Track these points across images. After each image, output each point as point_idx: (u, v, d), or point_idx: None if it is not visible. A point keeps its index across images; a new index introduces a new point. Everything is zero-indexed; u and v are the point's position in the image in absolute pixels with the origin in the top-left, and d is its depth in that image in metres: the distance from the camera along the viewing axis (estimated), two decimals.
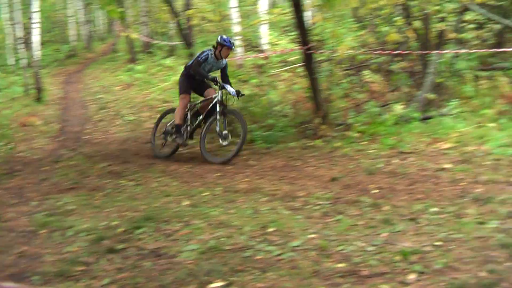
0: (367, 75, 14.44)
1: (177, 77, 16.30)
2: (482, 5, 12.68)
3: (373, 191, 7.53)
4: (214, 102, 10.65)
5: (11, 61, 27.88)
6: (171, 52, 24.95)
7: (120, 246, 5.60)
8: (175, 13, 14.16)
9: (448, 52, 12.43)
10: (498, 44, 13.95)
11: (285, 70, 16.66)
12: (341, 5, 12.81)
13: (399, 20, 13.34)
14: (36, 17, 19.82)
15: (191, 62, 11.05)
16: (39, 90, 19.53)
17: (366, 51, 14.95)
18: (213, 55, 10.73)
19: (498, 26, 13.40)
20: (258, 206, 7.03)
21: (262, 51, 18.69)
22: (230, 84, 10.82)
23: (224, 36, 10.83)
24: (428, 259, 4.90)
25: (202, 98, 11.12)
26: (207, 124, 10.79)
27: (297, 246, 5.41)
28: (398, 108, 11.70)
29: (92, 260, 5.25)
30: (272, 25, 19.98)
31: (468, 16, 12.43)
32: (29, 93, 20.07)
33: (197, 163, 10.41)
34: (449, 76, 12.67)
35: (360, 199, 7.09)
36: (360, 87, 14.17)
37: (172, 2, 14.40)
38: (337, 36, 13.14)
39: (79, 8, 35.45)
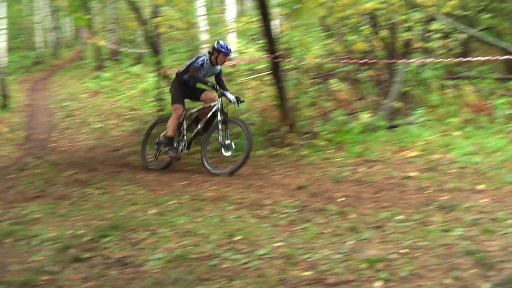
0: (334, 83, 14.52)
1: (144, 85, 16.20)
2: (448, 14, 12.82)
3: (339, 199, 7.55)
4: (213, 110, 10.26)
5: None
6: (138, 59, 24.90)
7: (86, 255, 5.54)
8: (142, 21, 14.14)
9: (415, 61, 12.53)
10: (464, 53, 14.09)
11: (253, 78, 16.68)
12: (308, 14, 12.85)
13: (366, 29, 13.41)
14: (2, 23, 19.67)
15: (183, 68, 10.64)
16: (5, 97, 19.39)
17: (333, 59, 15.01)
18: (208, 61, 10.32)
19: (463, 36, 13.53)
20: (225, 214, 7.02)
21: (229, 59, 18.69)
22: (227, 90, 10.45)
23: (221, 42, 10.43)
24: (394, 266, 4.93)
25: (197, 104, 10.84)
26: (208, 134, 10.44)
27: (264, 254, 5.40)
28: (365, 117, 11.78)
29: (58, 269, 5.20)
30: (240, 34, 20.01)
31: (434, 26, 12.51)
32: None
33: (164, 171, 10.38)
34: (415, 85, 12.78)
35: (326, 207, 7.10)
36: (327, 95, 14.23)
37: (140, 10, 14.38)
38: (305, 45, 13.19)
39: (46, 14, 35.17)
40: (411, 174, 8.73)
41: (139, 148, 12.01)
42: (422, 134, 10.77)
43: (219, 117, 10.09)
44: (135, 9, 14.20)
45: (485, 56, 12.89)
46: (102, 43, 25.14)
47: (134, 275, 5.03)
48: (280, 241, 5.81)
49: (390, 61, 12.64)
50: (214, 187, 8.73)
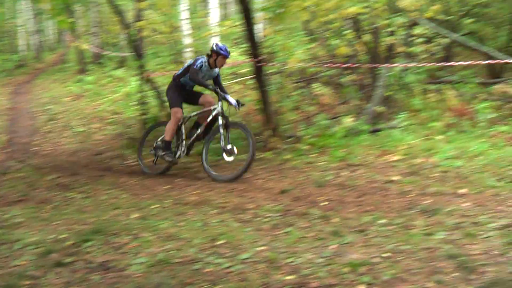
0: (317, 87, 14.55)
1: (127, 89, 16.10)
2: (431, 19, 12.88)
3: (322, 203, 7.56)
4: (214, 114, 9.98)
5: None
6: (121, 63, 24.82)
7: (68, 260, 5.51)
8: (125, 24, 14.09)
9: (397, 65, 12.57)
10: (446, 58, 14.18)
11: (236, 82, 16.66)
12: (292, 18, 12.86)
13: (349, 33, 13.46)
14: None
15: (180, 71, 10.33)
16: None
17: (317, 64, 15.04)
18: (206, 63, 10.03)
19: (446, 40, 13.60)
20: (208, 218, 7.02)
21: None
22: (228, 93, 10.23)
23: (220, 44, 10.13)
24: (376, 270, 4.94)
25: (196, 108, 10.65)
26: (208, 138, 10.14)
27: (247, 258, 5.40)
28: (348, 121, 11.80)
29: (40, 274, 5.18)
30: (223, 37, 19.98)
31: (417, 30, 12.57)
32: None
33: (147, 175, 10.37)
34: (398, 89, 12.83)
35: (309, 211, 7.11)
36: (310, 99, 14.26)
37: (123, 13, 14.34)
38: (288, 49, 13.19)
39: (29, 17, 35.06)
40: (394, 178, 8.76)
41: (122, 152, 12.01)
42: (405, 138, 10.81)
43: (220, 121, 9.81)
44: (118, 12, 14.14)
45: (467, 61, 12.99)
46: (85, 46, 25.06)
47: (117, 279, 5.02)
48: (263, 245, 5.81)
49: (373, 66, 12.68)
50: (197, 191, 8.72)
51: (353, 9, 11.48)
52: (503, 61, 12.87)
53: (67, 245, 5.98)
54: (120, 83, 21.72)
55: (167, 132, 10.20)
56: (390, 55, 12.67)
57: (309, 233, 6.21)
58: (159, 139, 10.54)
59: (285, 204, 7.60)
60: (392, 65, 12.49)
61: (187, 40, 17.99)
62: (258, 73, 11.36)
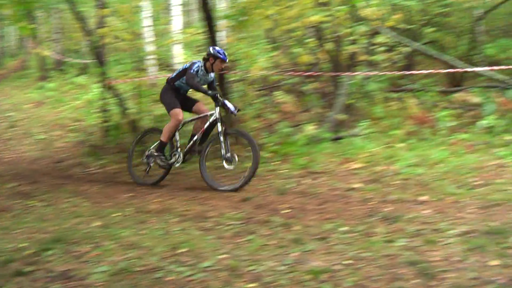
0: (280, 95, 14.58)
1: (88, 96, 15.96)
2: (392, 28, 12.99)
3: (284, 211, 7.59)
4: (211, 120, 9.59)
5: None
6: (83, 70, 24.63)
7: (29, 269, 5.46)
8: (87, 31, 14.01)
9: (359, 74, 12.68)
10: (408, 67, 14.33)
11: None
12: (254, 26, 12.89)
13: (312, 42, 13.51)
14: None
15: (174, 75, 9.96)
16: None
17: (279, 72, 15.09)
18: (203, 68, 9.64)
19: (407, 49, 13.72)
20: (170, 226, 7.00)
21: (175, 71, 18.63)
22: (226, 98, 9.90)
23: (217, 48, 9.78)
24: (338, 277, 4.97)
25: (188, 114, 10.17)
26: (206, 146, 9.69)
27: (208, 266, 5.40)
28: (310, 129, 11.84)
29: (0, 284, 5.12)
30: (186, 45, 19.96)
31: (379, 39, 12.67)
32: None
33: (109, 183, 10.31)
34: (360, 97, 12.92)
35: (271, 219, 7.12)
36: (273, 107, 14.27)
37: (85, 20, 14.26)
38: (251, 57, 13.20)
39: None
40: (355, 185, 8.81)
41: (83, 160, 11.90)
42: (366, 146, 10.88)
43: (219, 129, 9.42)
44: (80, 19, 14.06)
45: (428, 69, 13.11)
46: (46, 53, 24.84)
47: None
48: (225, 253, 5.81)
49: (335, 74, 12.75)
50: (158, 199, 8.70)
51: (315, 18, 11.53)
52: (463, 70, 13.05)
53: (27, 254, 5.92)
54: (81, 90, 21.57)
55: (165, 133, 9.80)
56: (352, 63, 12.75)
57: (271, 241, 6.22)
58: (151, 147, 10.18)
59: (247, 212, 7.61)
60: (354, 74, 12.58)
61: (150, 48, 17.92)
62: (221, 81, 11.38)
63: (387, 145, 10.91)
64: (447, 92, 13.68)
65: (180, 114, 9.68)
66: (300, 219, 7.09)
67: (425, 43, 15.17)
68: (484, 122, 11.40)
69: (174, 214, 7.66)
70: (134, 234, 6.64)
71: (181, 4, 19.79)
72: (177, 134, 9.92)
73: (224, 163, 9.42)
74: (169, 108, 9.78)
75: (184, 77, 9.63)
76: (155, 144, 10.05)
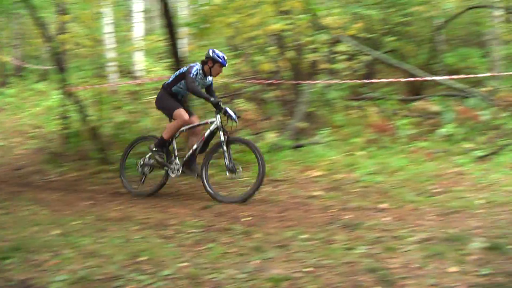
0: (241, 103, 14.57)
1: (48, 102, 15.77)
2: (353, 37, 13.08)
3: (244, 219, 7.60)
4: (212, 129, 9.18)
5: None
6: (43, 76, 24.39)
7: None
8: (48, 37, 13.89)
9: (320, 82, 12.72)
10: (368, 75, 14.46)
11: None
12: (216, 33, 12.90)
13: (273, 50, 13.55)
14: None
15: (170, 80, 9.49)
16: None
17: (240, 79, 15.10)
18: (201, 71, 9.26)
19: (368, 58, 13.84)
20: (130, 234, 6.96)
21: (136, 78, 18.58)
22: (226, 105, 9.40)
23: (217, 51, 9.34)
24: (298, 285, 4.99)
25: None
26: (208, 156, 9.30)
27: (169, 274, 5.38)
28: (271, 136, 11.86)
29: None
30: (147, 52, 19.92)
31: (340, 48, 12.76)
32: None
33: (68, 191, 10.22)
34: (320, 105, 12.97)
35: (232, 227, 7.12)
36: None
37: (45, 26, 14.13)
38: None
39: None
40: (316, 193, 8.85)
41: (43, 167, 11.78)
42: (327, 154, 10.93)
43: (222, 138, 9.04)
44: (41, 25, 13.91)
45: (388, 78, 13.26)
46: (6, 58, 24.58)
47: None
48: (185, 261, 5.80)
49: (296, 82, 12.80)
50: (119, 207, 8.65)
51: (277, 26, 11.57)
52: (423, 79, 13.18)
53: None
54: (42, 97, 21.34)
55: (167, 130, 9.37)
56: (313, 71, 12.81)
57: (231, 249, 6.22)
58: (147, 155, 9.77)
59: (207, 220, 7.60)
60: (315, 82, 12.63)
61: (110, 54, 17.84)
62: None
63: (347, 153, 10.98)
64: (407, 101, 13.82)
65: (185, 114, 9.24)
66: (261, 227, 7.10)
67: (385, 52, 15.30)
68: (443, 130, 11.56)
69: (135, 222, 7.62)
70: (94, 242, 6.59)
71: (142, 11, 19.76)
72: (174, 142, 9.54)
73: (227, 173, 9.10)
74: (171, 110, 9.35)
75: (182, 81, 9.31)
76: (150, 153, 9.66)
